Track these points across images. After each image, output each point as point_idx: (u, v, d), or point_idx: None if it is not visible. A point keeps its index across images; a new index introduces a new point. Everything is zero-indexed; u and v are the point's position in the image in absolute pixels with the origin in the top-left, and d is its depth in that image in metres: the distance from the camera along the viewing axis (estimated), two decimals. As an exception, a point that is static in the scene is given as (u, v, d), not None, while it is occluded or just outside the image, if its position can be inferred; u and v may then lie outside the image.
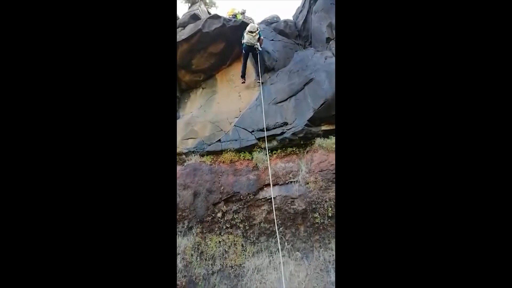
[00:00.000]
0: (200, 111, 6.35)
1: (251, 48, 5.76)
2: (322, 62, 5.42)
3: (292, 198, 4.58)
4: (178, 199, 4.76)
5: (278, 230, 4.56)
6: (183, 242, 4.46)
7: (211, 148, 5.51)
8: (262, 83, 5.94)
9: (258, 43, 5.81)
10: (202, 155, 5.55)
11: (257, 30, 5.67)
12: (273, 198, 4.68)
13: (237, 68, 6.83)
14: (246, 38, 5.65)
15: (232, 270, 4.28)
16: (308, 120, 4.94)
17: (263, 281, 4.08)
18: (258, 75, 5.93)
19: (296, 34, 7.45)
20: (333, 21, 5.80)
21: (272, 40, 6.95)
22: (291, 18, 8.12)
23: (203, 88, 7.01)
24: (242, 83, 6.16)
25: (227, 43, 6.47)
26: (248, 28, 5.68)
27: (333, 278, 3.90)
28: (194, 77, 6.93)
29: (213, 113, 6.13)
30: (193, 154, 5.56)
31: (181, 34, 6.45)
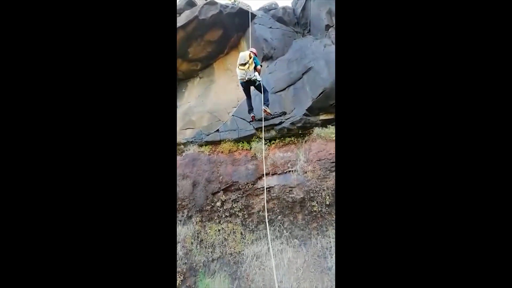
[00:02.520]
0: (198, 101, 6.29)
1: (249, 83, 4.53)
2: (321, 50, 5.33)
3: (290, 187, 4.64)
4: (177, 189, 4.80)
5: (276, 218, 4.65)
6: (183, 231, 4.54)
7: (209, 138, 5.50)
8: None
9: (256, 74, 4.46)
10: (201, 145, 5.55)
11: (250, 58, 4.33)
12: (272, 187, 4.73)
13: (234, 56, 6.70)
14: (240, 74, 4.43)
15: (232, 257, 4.39)
16: (306, 110, 4.93)
17: (262, 267, 4.19)
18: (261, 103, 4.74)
19: (295, 21, 7.27)
20: (333, 8, 5.66)
21: (271, 27, 6.79)
22: (290, 5, 7.90)
23: (200, 78, 6.91)
24: (251, 121, 5.12)
25: (225, 31, 6.31)
26: (238, 61, 4.39)
27: (330, 264, 4.02)
28: (191, 66, 6.81)
29: (211, 103, 6.07)
30: (191, 144, 5.56)
31: (177, 21, 6.27)
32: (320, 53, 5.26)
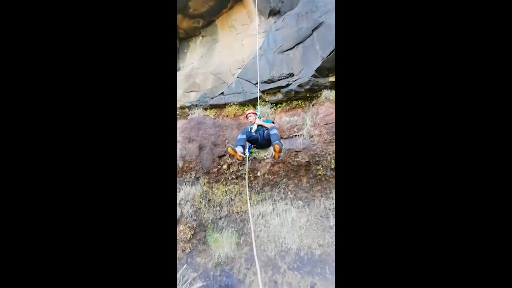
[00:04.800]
0: (201, 62, 5.99)
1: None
2: (334, 1, 4.79)
3: (296, 151, 4.63)
4: (184, 152, 4.87)
5: (281, 181, 4.77)
6: (192, 191, 4.74)
7: (214, 102, 5.38)
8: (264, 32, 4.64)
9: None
10: (206, 109, 5.45)
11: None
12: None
13: (239, 12, 6.15)
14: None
15: (238, 215, 4.64)
16: (315, 71, 4.63)
17: (267, 225, 4.44)
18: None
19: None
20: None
21: (279, -24, 6.05)
22: None
23: (203, 36, 6.47)
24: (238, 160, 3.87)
25: (227, -19, 5.69)
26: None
27: (332, 223, 4.21)
28: (193, 23, 6.32)
29: (214, 64, 5.78)
30: (196, 108, 5.47)
31: (175, -30, 5.63)
32: (333, 4, 4.74)
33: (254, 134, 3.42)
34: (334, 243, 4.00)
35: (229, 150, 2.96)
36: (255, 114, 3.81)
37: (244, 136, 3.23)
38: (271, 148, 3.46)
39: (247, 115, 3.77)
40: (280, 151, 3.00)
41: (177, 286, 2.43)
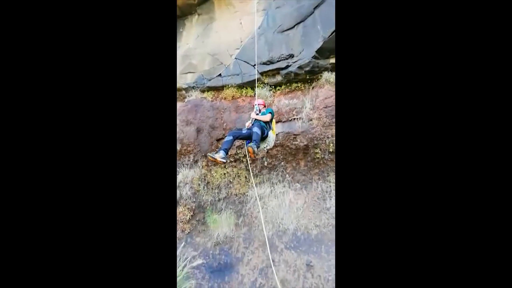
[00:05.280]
0: (198, 42, 5.76)
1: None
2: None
3: (294, 134, 4.61)
4: (182, 135, 4.83)
5: (279, 164, 4.80)
6: (190, 174, 4.76)
7: (211, 83, 5.25)
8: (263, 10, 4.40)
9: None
10: (203, 91, 5.34)
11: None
12: (276, 134, 4.72)
13: (237, -13, 5.83)
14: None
15: (237, 197, 4.71)
16: (316, 52, 4.51)
17: (265, 206, 4.53)
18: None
19: None
20: None
21: None
22: None
23: (199, 15, 6.17)
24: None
25: (225, -47, 5.34)
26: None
27: (328, 205, 4.30)
28: (188, 0, 6.01)
29: (211, 44, 5.57)
30: (193, 90, 5.35)
31: None
32: (337, -19, 4.51)
33: (244, 132, 3.32)
34: (330, 224, 4.11)
35: (209, 158, 2.93)
36: (264, 105, 3.71)
37: (231, 138, 3.13)
38: (269, 139, 3.42)
39: (253, 105, 3.64)
40: (254, 152, 2.98)
41: (177, 264, 2.49)
